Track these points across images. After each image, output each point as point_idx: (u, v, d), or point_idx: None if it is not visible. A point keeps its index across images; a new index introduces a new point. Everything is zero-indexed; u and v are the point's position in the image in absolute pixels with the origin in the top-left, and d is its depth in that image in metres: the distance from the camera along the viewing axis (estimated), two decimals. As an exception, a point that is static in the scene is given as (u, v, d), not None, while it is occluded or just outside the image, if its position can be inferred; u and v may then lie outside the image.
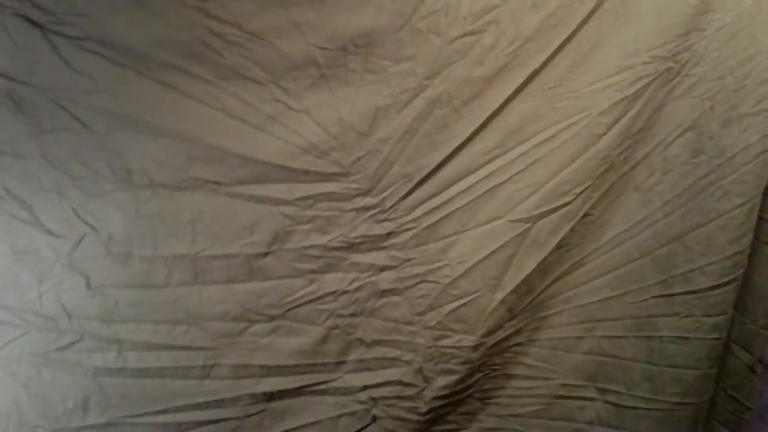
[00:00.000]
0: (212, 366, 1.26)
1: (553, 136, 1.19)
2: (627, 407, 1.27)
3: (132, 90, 1.20)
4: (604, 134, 1.09)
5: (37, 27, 1.12)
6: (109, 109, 1.20)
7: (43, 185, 1.24)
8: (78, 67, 1.18)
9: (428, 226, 1.24)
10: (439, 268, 1.25)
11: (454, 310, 1.25)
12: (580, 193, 1.13)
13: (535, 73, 1.18)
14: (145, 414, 1.25)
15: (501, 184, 1.22)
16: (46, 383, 1.26)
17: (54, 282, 1.24)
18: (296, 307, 1.26)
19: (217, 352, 1.26)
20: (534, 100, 1.19)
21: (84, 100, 1.19)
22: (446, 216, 1.23)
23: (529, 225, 1.21)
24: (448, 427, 1.34)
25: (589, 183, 1.12)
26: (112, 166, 1.22)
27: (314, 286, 1.26)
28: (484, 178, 1.21)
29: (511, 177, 1.21)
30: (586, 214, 1.15)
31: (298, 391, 1.29)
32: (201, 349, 1.25)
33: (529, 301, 1.26)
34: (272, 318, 1.26)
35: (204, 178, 1.21)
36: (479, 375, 1.30)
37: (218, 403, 1.28)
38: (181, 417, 1.26)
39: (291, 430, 1.30)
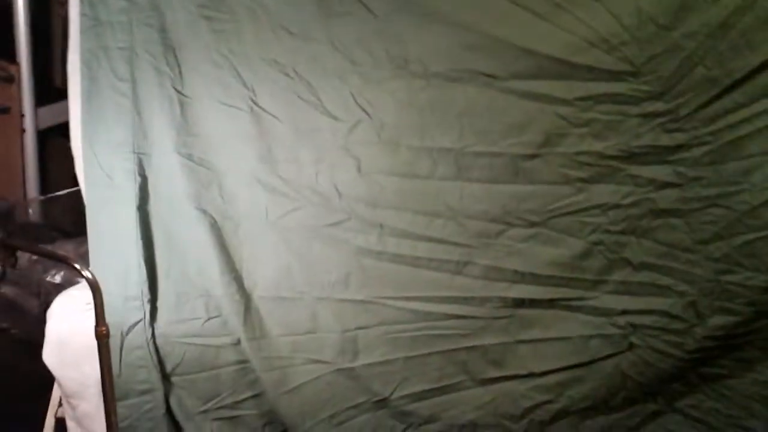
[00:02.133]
0: (466, 263, 1.55)
1: None
2: None
3: None
4: None
5: None
6: None
7: (328, 69, 1.57)
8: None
9: (730, 142, 1.31)
10: (737, 192, 1.33)
11: (749, 242, 1.34)
12: None
13: None
14: (398, 298, 1.60)
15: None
16: (315, 255, 1.68)
17: (329, 162, 1.61)
18: (559, 215, 1.47)
19: (472, 250, 1.53)
20: None
21: None
22: (756, 131, 1.31)
23: None
24: (717, 371, 1.47)
25: None
26: (390, 53, 1.51)
27: (582, 196, 1.43)
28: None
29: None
30: None
31: (550, 303, 1.51)
32: (456, 244, 1.55)
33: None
34: (532, 224, 1.48)
35: (478, 69, 1.45)
36: (766, 320, 1.34)
37: (467, 301, 1.57)
38: (430, 307, 1.59)
39: (538, 340, 1.54)
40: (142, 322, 1.74)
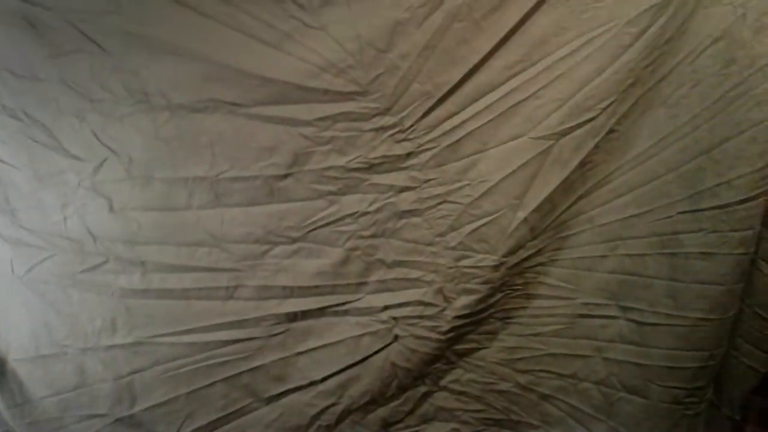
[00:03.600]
0: (235, 287, 1.61)
1: (577, 49, 1.44)
2: (649, 324, 1.58)
3: (146, 9, 1.50)
4: (631, 45, 1.34)
5: (50, -53, 1.39)
6: (124, 29, 1.51)
7: (63, 109, 1.56)
8: (93, -13, 1.44)
9: (448, 146, 1.52)
10: (460, 188, 1.53)
11: (476, 230, 1.55)
12: (605, 108, 1.38)
13: (559, -18, 1.41)
14: (171, 334, 1.62)
15: (523, 100, 1.49)
16: (74, 304, 1.63)
17: (78, 205, 1.58)
18: (317, 228, 1.58)
19: (240, 274, 1.59)
20: (557, 12, 1.45)
21: (99, 21, 1.50)
22: (467, 135, 1.51)
23: (552, 142, 1.49)
24: (469, 346, 1.67)
25: (615, 97, 1.38)
26: (129, 88, 1.53)
27: (334, 208, 1.56)
28: (506, 94, 1.48)
29: (533, 93, 1.47)
30: (611, 130, 1.41)
31: (321, 312, 1.63)
32: (224, 270, 1.59)
33: (551, 221, 1.56)
34: (293, 240, 1.58)
35: (221, 99, 1.52)
36: (500, 295, 1.61)
37: (242, 324, 1.64)
38: (206, 337, 1.62)
39: (314, 349, 1.65)
40: None
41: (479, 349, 1.74)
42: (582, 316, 1.68)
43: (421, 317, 1.68)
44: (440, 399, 1.78)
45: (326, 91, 1.56)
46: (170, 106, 1.60)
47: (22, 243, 1.68)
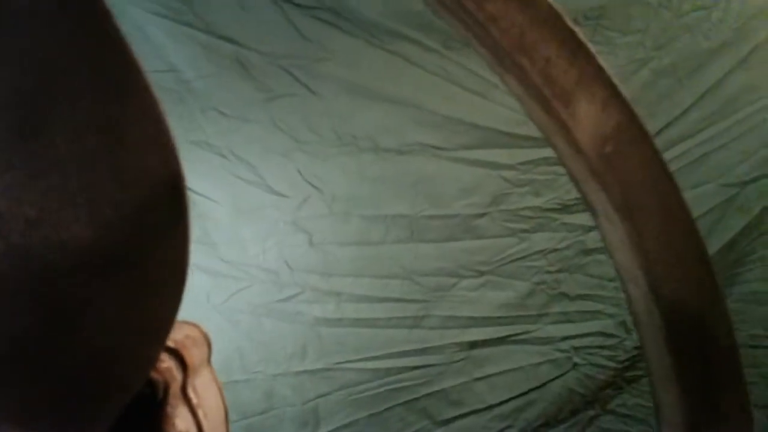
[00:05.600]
0: (423, 317, 1.76)
1: (766, 107, 1.59)
2: (813, 354, 1.76)
3: (360, 58, 1.63)
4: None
5: (271, -5, 1.52)
6: (337, 76, 1.64)
7: (270, 148, 1.65)
8: (309, 35, 1.59)
9: None
10: None
11: None
12: (791, 159, 1.56)
13: (756, 47, 1.57)
14: (359, 360, 1.77)
15: (714, 150, 1.66)
16: (267, 332, 1.76)
17: (278, 239, 1.69)
18: (506, 263, 1.73)
19: (428, 305, 1.77)
20: (751, 73, 1.61)
21: (313, 67, 1.62)
22: None
23: (738, 189, 1.64)
24: (637, 373, 1.87)
25: (800, 151, 1.56)
26: (337, 131, 1.66)
27: (525, 245, 1.74)
28: (698, 144, 1.68)
29: (724, 144, 1.65)
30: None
31: (501, 340, 1.80)
32: (413, 301, 1.76)
33: (729, 260, 1.71)
34: (482, 273, 1.74)
35: (427, 143, 1.67)
36: (674, 326, 1.77)
37: (425, 351, 1.80)
38: (390, 363, 1.78)
39: (492, 375, 1.83)
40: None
41: (646, 375, 1.92)
42: (748, 346, 1.87)
43: (601, 347, 1.87)
44: (606, 422, 1.98)
45: (530, 138, 1.71)
46: (376, 149, 1.74)
47: (219, 274, 1.81)
